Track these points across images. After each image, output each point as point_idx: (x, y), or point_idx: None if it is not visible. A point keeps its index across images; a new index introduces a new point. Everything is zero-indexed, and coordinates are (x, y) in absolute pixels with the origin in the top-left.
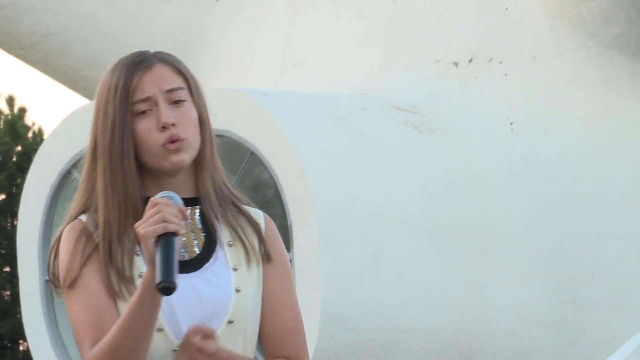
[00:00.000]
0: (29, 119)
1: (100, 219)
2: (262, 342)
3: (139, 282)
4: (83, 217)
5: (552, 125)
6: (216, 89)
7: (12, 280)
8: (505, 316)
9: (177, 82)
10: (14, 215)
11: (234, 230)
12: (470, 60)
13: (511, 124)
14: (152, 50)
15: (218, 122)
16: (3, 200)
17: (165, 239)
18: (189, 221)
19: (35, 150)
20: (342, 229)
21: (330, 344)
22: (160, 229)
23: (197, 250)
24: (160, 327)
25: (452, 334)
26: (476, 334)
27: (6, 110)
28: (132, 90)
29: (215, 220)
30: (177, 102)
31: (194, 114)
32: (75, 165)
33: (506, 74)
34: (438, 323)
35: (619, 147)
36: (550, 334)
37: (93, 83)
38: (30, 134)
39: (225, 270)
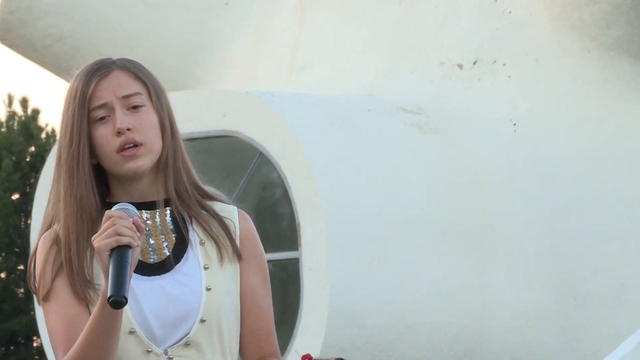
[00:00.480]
0: (42, 120)
1: (61, 226)
2: (243, 339)
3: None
4: (56, 226)
5: (554, 126)
6: (226, 90)
7: (26, 278)
8: (508, 313)
9: (135, 87)
10: (27, 214)
11: (205, 229)
12: (474, 63)
13: (514, 124)
14: (115, 57)
15: (227, 124)
16: (17, 199)
17: (118, 252)
18: (159, 223)
19: (48, 151)
20: (349, 228)
21: (338, 339)
22: (113, 242)
23: (166, 252)
24: (132, 330)
25: (456, 330)
26: (479, 329)
27: (20, 111)
28: (89, 98)
29: (188, 220)
30: (135, 107)
31: (152, 118)
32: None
33: (509, 76)
34: (442, 319)
35: (619, 147)
36: (552, 330)
37: None
38: (43, 135)
39: (195, 269)
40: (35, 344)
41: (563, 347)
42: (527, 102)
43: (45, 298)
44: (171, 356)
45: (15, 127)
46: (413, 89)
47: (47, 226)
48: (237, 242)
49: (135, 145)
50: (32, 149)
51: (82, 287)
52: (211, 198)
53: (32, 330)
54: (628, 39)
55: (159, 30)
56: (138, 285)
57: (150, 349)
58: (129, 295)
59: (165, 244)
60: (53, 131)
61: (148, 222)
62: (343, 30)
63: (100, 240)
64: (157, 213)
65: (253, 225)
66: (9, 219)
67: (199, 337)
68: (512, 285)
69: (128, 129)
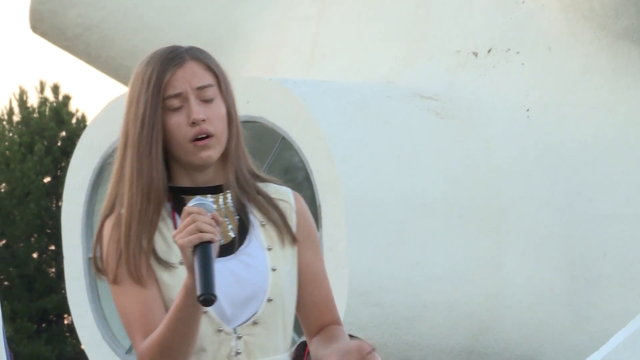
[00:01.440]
0: (72, 106)
1: (125, 206)
2: (304, 313)
3: (180, 267)
4: (119, 209)
5: (565, 113)
6: (249, 78)
7: (57, 258)
8: (521, 292)
9: (208, 79)
10: (58, 196)
11: (263, 212)
12: (489, 51)
13: (527, 110)
14: (185, 45)
15: (251, 110)
16: (48, 182)
17: (202, 249)
18: (222, 207)
19: (78, 136)
20: (368, 210)
21: (357, 317)
22: (195, 239)
23: (231, 235)
24: (205, 310)
25: (471, 308)
26: (493, 308)
27: (52, 97)
28: (164, 86)
29: (247, 203)
30: (207, 100)
31: (222, 110)
32: (116, 150)
33: (522, 64)
34: (458, 298)
35: (628, 133)
36: (564, 309)
37: None
38: (74, 120)
39: (260, 250)
40: (66, 322)
41: (574, 325)
42: (540, 89)
43: (114, 281)
44: (240, 335)
45: (47, 113)
46: (430, 77)
47: (110, 207)
48: (295, 222)
49: (208, 136)
50: (63, 134)
51: (135, 266)
52: (264, 180)
53: (63, 308)
54: (637, 28)
55: (185, 20)
56: None
57: (221, 328)
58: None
59: (230, 226)
60: (83, 117)
61: (213, 206)
62: (362, 20)
63: (183, 237)
64: (220, 197)
65: (306, 205)
66: (41, 202)
67: (266, 316)
68: (525, 265)
69: (203, 120)
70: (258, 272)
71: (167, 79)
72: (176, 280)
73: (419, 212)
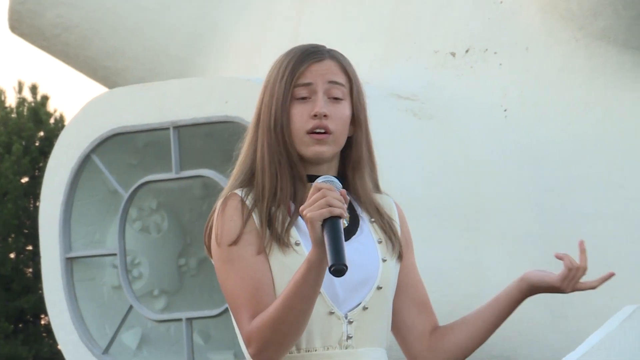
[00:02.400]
0: (51, 106)
1: (261, 187)
2: (413, 310)
3: (296, 248)
4: (238, 191)
5: (543, 112)
6: (228, 78)
7: (34, 258)
8: (498, 290)
9: (341, 78)
10: (36, 197)
11: (374, 211)
12: (467, 51)
13: (505, 110)
14: (327, 47)
15: (229, 109)
16: (26, 182)
17: (332, 223)
18: None
19: (56, 136)
20: None
21: None
22: (326, 212)
23: (345, 223)
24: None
25: (449, 307)
26: (471, 307)
27: (30, 98)
28: (298, 75)
29: (355, 201)
30: (335, 99)
31: (347, 112)
32: (93, 150)
33: (500, 64)
34: (435, 297)
35: (605, 132)
36: (539, 307)
37: (112, 72)
38: (52, 120)
39: (371, 241)
40: (43, 322)
41: (550, 323)
42: (517, 88)
43: (228, 259)
44: (351, 320)
45: (25, 113)
46: (408, 77)
47: (235, 184)
48: (399, 224)
49: (326, 132)
50: (41, 134)
51: (279, 236)
52: (378, 189)
53: (40, 308)
54: (614, 29)
55: (164, 19)
56: None
57: (332, 311)
58: None
59: (345, 215)
60: (61, 117)
61: (340, 185)
62: (341, 20)
63: (313, 210)
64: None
65: (404, 212)
66: (19, 202)
67: (375, 303)
68: (503, 264)
69: (325, 116)
70: (370, 259)
71: (302, 69)
72: (290, 261)
73: None
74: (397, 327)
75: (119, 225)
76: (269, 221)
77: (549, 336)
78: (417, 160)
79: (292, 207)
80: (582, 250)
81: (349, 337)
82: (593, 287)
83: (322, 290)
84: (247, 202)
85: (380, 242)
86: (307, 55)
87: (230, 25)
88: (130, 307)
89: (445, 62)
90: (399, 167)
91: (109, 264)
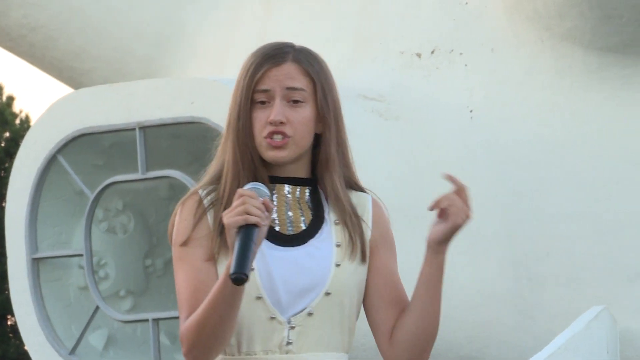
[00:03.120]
0: (16, 107)
1: (227, 189)
2: (386, 311)
3: None
4: (200, 191)
5: (509, 113)
6: (195, 79)
7: (0, 258)
8: (466, 292)
9: (301, 82)
10: (2, 197)
11: (342, 212)
12: (433, 52)
13: (471, 111)
14: (297, 45)
15: (196, 110)
16: None
17: (245, 231)
18: (298, 197)
19: (22, 136)
20: None
21: None
22: (241, 220)
23: (302, 226)
24: (259, 296)
25: None
26: None
27: None
28: (256, 80)
29: (325, 201)
30: (294, 102)
31: (308, 115)
32: (59, 150)
33: (466, 65)
34: None
35: (571, 133)
36: (508, 308)
37: (78, 73)
38: (17, 121)
39: (328, 245)
40: (9, 322)
41: (518, 325)
42: (483, 89)
43: (180, 257)
44: (294, 325)
45: None
46: (374, 78)
47: (203, 183)
48: (370, 226)
49: (284, 138)
50: (7, 134)
51: (224, 244)
52: (357, 188)
53: (6, 309)
54: (580, 30)
55: (131, 20)
56: (271, 254)
57: (274, 316)
58: (260, 263)
59: (302, 218)
60: (27, 117)
61: (289, 195)
62: (308, 21)
63: (230, 217)
64: (298, 189)
65: (384, 212)
66: None
67: (322, 309)
68: (469, 265)
69: (281, 122)
70: (321, 265)
71: (260, 75)
72: None
73: None
74: (370, 325)
75: (85, 225)
76: (221, 225)
77: (518, 337)
78: (384, 161)
79: None
80: (452, 180)
81: (289, 342)
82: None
83: (264, 295)
84: (205, 203)
85: (338, 246)
86: (267, 60)
87: (197, 26)
88: (97, 307)
89: (412, 63)
90: (366, 167)
91: (76, 265)
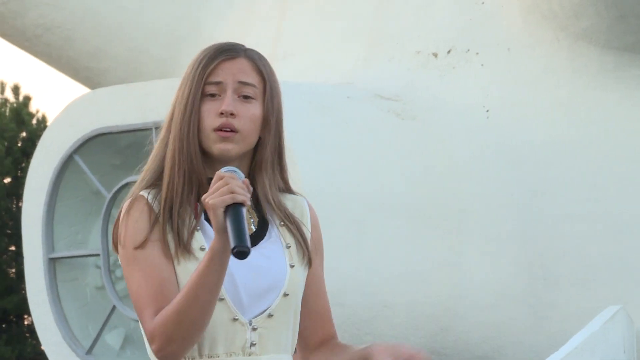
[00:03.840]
0: (33, 107)
1: (164, 188)
2: (311, 320)
3: (199, 254)
4: (144, 193)
5: (524, 113)
6: None
7: (17, 258)
8: (480, 292)
9: (253, 79)
10: (19, 197)
11: (283, 214)
12: (449, 52)
13: (487, 111)
14: (246, 45)
15: None
16: (9, 183)
17: (234, 209)
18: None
19: (39, 137)
20: (329, 210)
21: None
22: (229, 199)
23: (253, 228)
24: (222, 297)
25: (431, 309)
26: (453, 308)
27: (12, 98)
28: (209, 72)
29: (266, 204)
30: (245, 97)
31: (257, 112)
32: (76, 150)
33: (482, 65)
34: (418, 298)
35: (587, 133)
36: (523, 308)
37: (94, 73)
38: (34, 121)
39: (279, 247)
40: (26, 322)
41: (532, 325)
42: (499, 89)
43: (132, 257)
44: (255, 326)
45: (7, 114)
46: (390, 77)
47: (144, 183)
48: (309, 229)
49: (232, 131)
50: (24, 134)
51: (176, 249)
52: (281, 191)
53: (23, 309)
54: (596, 29)
55: (145, 20)
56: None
57: (236, 317)
58: None
59: (252, 220)
60: (43, 117)
61: (242, 175)
62: (323, 21)
63: (215, 197)
64: None
65: (317, 216)
66: (1, 202)
67: (281, 310)
68: (485, 265)
69: (231, 114)
70: (277, 265)
71: (213, 66)
72: (193, 268)
73: (379, 212)
74: None
75: (101, 225)
76: (173, 227)
77: (533, 337)
78: (399, 161)
79: (198, 208)
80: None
81: (252, 344)
82: None
83: (226, 296)
84: (154, 206)
85: (289, 247)
86: (220, 53)
87: (212, 26)
88: (114, 307)
89: (428, 62)
90: (381, 167)
91: (92, 265)
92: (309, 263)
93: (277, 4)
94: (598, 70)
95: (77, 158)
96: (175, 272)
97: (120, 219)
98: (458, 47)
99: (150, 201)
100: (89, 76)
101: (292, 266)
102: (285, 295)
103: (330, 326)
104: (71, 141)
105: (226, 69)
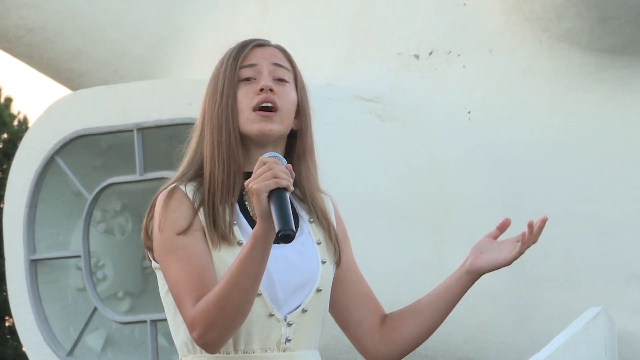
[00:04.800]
0: (14, 108)
1: (206, 178)
2: (359, 304)
3: (236, 248)
4: (181, 186)
5: (506, 114)
6: (191, 79)
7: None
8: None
9: (286, 63)
10: (0, 198)
11: (313, 210)
12: (430, 53)
13: (468, 112)
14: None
15: (193, 111)
16: None
17: (278, 194)
18: None
19: (20, 138)
20: None
21: None
22: (273, 184)
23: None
24: (259, 292)
25: None
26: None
27: None
28: (243, 58)
29: (296, 202)
30: (280, 80)
31: (293, 96)
32: (57, 152)
33: (464, 66)
34: (401, 299)
35: (568, 134)
36: (505, 309)
37: (75, 74)
38: (15, 123)
39: (310, 242)
40: (7, 323)
41: (515, 326)
42: (481, 91)
43: (172, 248)
44: (290, 322)
45: None
46: (372, 79)
47: (174, 181)
48: (335, 226)
49: (273, 109)
50: (5, 136)
51: (222, 235)
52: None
53: (4, 310)
54: (578, 31)
55: (128, 21)
56: None
57: (272, 313)
58: None
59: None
60: (25, 119)
61: (285, 160)
62: (305, 22)
63: (259, 182)
64: None
65: (338, 208)
66: None
67: (314, 306)
68: None
69: (271, 90)
70: (310, 261)
71: (246, 52)
72: (231, 258)
73: (362, 213)
74: (346, 324)
75: (83, 227)
76: (214, 219)
77: (515, 338)
78: (382, 162)
79: (237, 206)
80: (540, 225)
81: (287, 340)
82: (534, 241)
83: (263, 292)
84: (192, 198)
85: (319, 243)
86: (250, 42)
87: (194, 27)
88: (95, 309)
89: (409, 64)
90: (363, 169)
91: (73, 266)
92: (339, 260)
93: (259, 5)
94: (579, 71)
95: (58, 159)
96: (213, 263)
97: (157, 209)
98: (440, 48)
99: (187, 193)
100: (70, 77)
101: (323, 262)
102: (318, 290)
103: (380, 305)
104: (52, 142)
105: (259, 53)
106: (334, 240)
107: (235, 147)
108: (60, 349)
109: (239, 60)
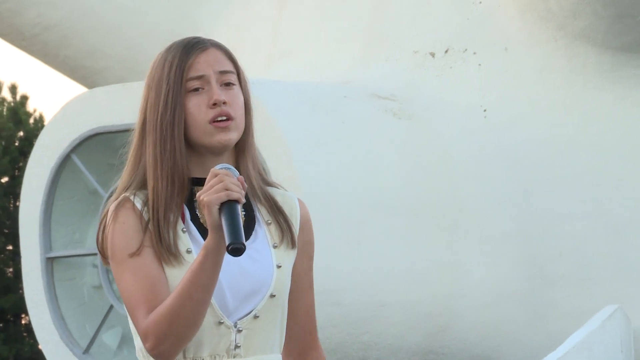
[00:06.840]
0: (30, 106)
1: (150, 192)
2: (299, 316)
3: (186, 256)
4: (130, 196)
5: (522, 112)
6: None
7: (15, 257)
8: (478, 291)
9: (229, 66)
10: (16, 196)
11: (271, 211)
12: (446, 51)
13: (484, 111)
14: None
15: None
16: (6, 182)
17: (229, 206)
18: None
19: (36, 136)
20: (326, 209)
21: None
22: (224, 196)
23: (243, 212)
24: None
25: (429, 308)
26: (451, 307)
27: (9, 97)
28: (187, 68)
29: (253, 201)
30: (227, 85)
31: (241, 98)
32: (73, 149)
33: (479, 64)
34: (415, 297)
35: (584, 133)
36: (520, 308)
37: (91, 72)
38: (31, 120)
39: (266, 247)
40: (23, 322)
41: (530, 324)
42: (497, 89)
43: (124, 262)
44: (240, 328)
45: (4, 113)
46: (387, 77)
47: (120, 193)
48: (297, 228)
49: (228, 119)
50: (21, 133)
51: (166, 254)
52: (270, 184)
53: (20, 308)
54: (594, 29)
55: (143, 19)
56: None
57: (222, 321)
58: None
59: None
60: (41, 117)
61: (237, 172)
62: (320, 20)
63: (211, 194)
64: None
65: (309, 214)
66: None
67: (267, 311)
68: (482, 264)
69: (224, 102)
70: (264, 267)
71: (190, 62)
72: (180, 273)
73: (377, 211)
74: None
75: (98, 225)
76: (160, 232)
77: (531, 336)
78: (397, 160)
79: (187, 213)
80: None
81: (237, 346)
82: None
83: (212, 299)
84: (139, 208)
85: (275, 247)
86: (191, 47)
87: (209, 25)
88: (111, 306)
89: (425, 62)
90: (378, 167)
91: (89, 264)
92: (293, 247)
93: (274, 4)
94: (595, 69)
95: (74, 157)
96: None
97: (107, 223)
98: (455, 46)
99: (136, 204)
100: (85, 75)
101: (279, 266)
102: (272, 296)
103: (312, 325)
104: (68, 140)
105: (203, 61)
106: (292, 242)
107: (179, 160)
108: (76, 346)
109: (184, 70)
